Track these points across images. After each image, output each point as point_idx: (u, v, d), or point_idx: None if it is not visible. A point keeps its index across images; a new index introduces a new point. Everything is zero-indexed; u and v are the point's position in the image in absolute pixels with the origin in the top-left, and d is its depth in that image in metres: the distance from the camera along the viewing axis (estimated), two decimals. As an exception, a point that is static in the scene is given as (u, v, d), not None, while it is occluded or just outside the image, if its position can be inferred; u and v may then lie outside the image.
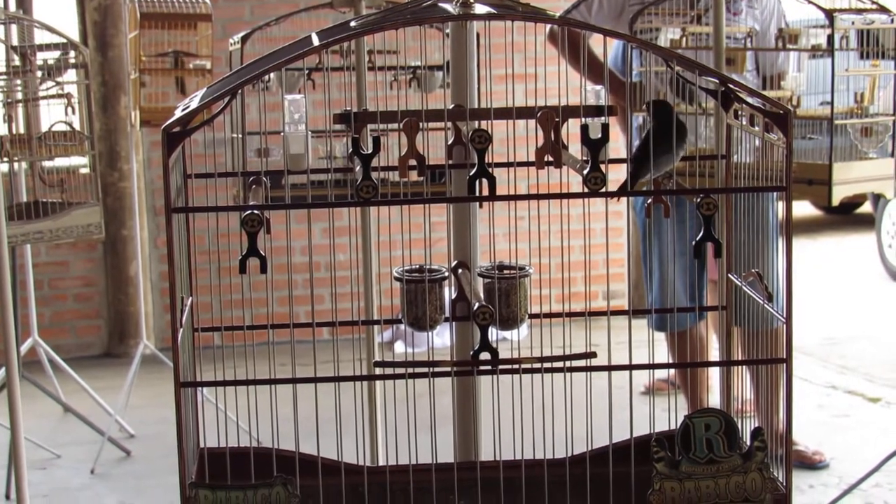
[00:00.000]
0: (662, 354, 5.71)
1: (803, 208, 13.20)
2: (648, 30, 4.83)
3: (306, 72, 4.46)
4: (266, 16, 5.38)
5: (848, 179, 4.39)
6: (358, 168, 2.20)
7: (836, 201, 4.34)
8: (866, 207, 11.81)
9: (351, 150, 2.18)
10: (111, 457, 6.07)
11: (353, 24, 2.35)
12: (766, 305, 2.36)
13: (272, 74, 4.46)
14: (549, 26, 5.28)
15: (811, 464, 5.60)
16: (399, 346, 7.60)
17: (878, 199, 10.16)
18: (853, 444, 5.91)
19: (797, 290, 6.33)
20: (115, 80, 7.87)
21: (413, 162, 2.23)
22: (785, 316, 2.26)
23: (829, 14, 4.32)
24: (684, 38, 4.73)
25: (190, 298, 2.44)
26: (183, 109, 2.26)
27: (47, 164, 5.11)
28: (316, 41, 2.31)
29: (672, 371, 6.13)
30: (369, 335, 4.38)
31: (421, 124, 2.28)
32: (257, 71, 2.18)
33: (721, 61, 4.42)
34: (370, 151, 2.18)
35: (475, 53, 2.57)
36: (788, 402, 2.24)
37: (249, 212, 2.18)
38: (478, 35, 4.44)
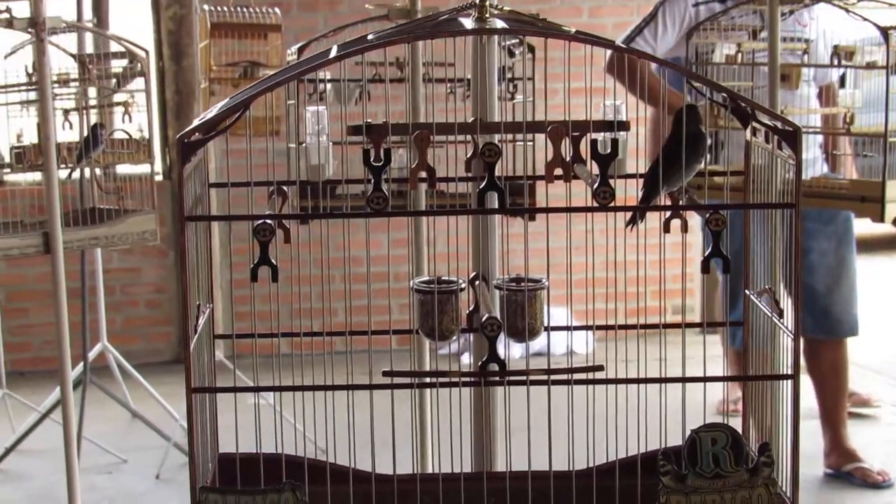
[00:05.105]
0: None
1: (878, 227, 13.03)
2: (703, 45, 4.82)
3: (362, 83, 4.50)
4: (339, 26, 5.41)
5: (902, 197, 4.35)
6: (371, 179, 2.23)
7: (888, 219, 4.31)
8: (945, 226, 11.68)
9: (363, 161, 2.21)
10: (176, 462, 6.14)
11: (370, 37, 2.38)
12: (776, 321, 2.35)
13: (329, 85, 4.51)
14: (607, 56, 5.29)
15: (875, 483, 5.59)
16: (465, 358, 7.60)
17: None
18: (918, 465, 5.86)
19: (866, 308, 6.30)
20: (189, 88, 7.95)
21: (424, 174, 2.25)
22: (794, 332, 2.25)
23: (885, 31, 4.29)
24: (739, 54, 4.72)
25: (209, 306, 2.48)
26: (201, 119, 2.30)
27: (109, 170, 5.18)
28: (335, 53, 2.34)
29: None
30: (413, 344, 4.38)
31: (446, 137, 2.31)
32: (271, 83, 2.22)
33: (776, 77, 4.40)
34: (381, 163, 2.22)
35: (494, 66, 2.58)
36: (795, 418, 2.23)
37: (261, 221, 2.22)
38: (534, 48, 4.47)
